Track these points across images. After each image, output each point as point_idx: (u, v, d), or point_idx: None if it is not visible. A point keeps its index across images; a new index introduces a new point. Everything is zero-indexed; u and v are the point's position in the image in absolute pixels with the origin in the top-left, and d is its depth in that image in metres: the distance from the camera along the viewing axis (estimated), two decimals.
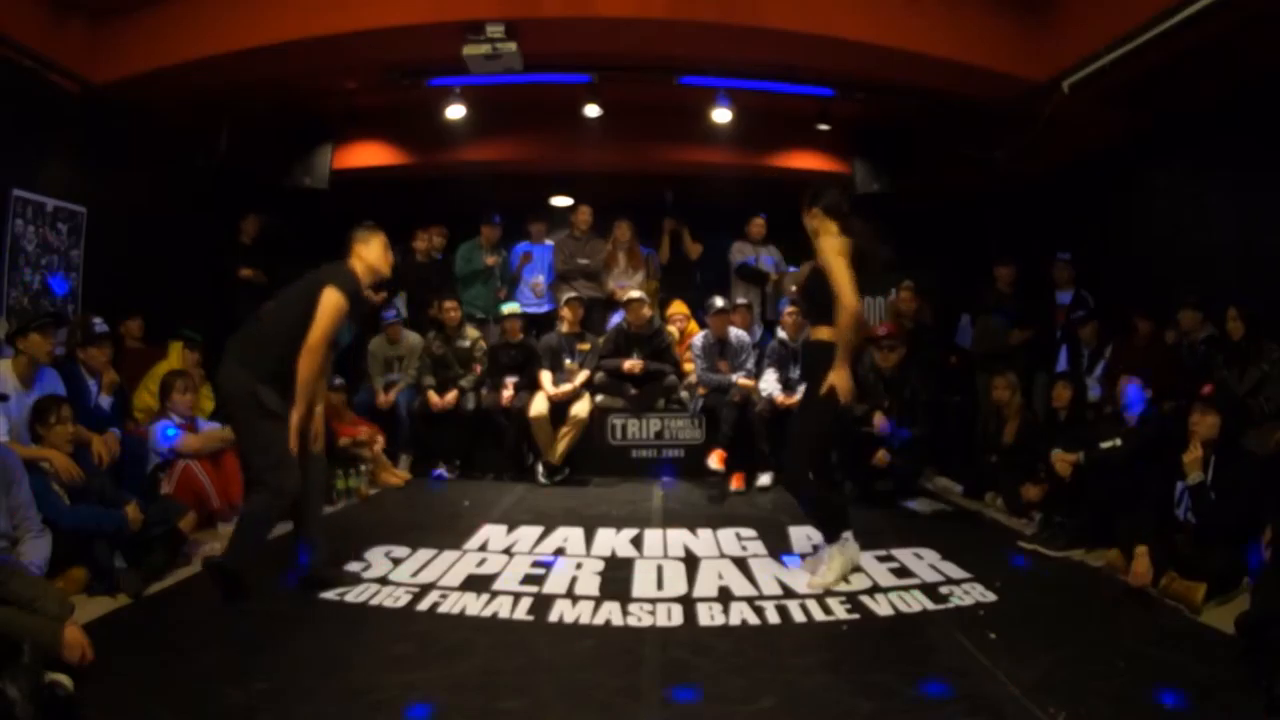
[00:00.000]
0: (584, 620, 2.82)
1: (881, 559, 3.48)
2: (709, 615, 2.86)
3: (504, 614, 2.87)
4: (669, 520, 4.29)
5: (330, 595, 3.04)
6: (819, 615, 2.87)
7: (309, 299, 2.97)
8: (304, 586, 3.11)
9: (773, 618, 2.85)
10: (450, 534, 3.90)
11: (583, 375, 5.56)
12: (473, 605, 2.95)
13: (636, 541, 3.84)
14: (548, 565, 3.45)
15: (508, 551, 3.65)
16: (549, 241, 6.75)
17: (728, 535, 3.92)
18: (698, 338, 5.69)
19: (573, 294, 5.99)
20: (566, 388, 5.47)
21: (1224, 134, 4.90)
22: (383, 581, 3.19)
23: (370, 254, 3.18)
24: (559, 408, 5.41)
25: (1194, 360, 4.50)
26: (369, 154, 7.15)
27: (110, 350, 4.20)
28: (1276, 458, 3.46)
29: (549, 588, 3.15)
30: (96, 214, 5.15)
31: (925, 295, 5.98)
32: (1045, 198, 6.59)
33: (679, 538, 3.89)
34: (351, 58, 5.13)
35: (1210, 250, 4.98)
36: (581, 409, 5.38)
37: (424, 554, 3.57)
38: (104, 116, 5.09)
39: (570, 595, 3.06)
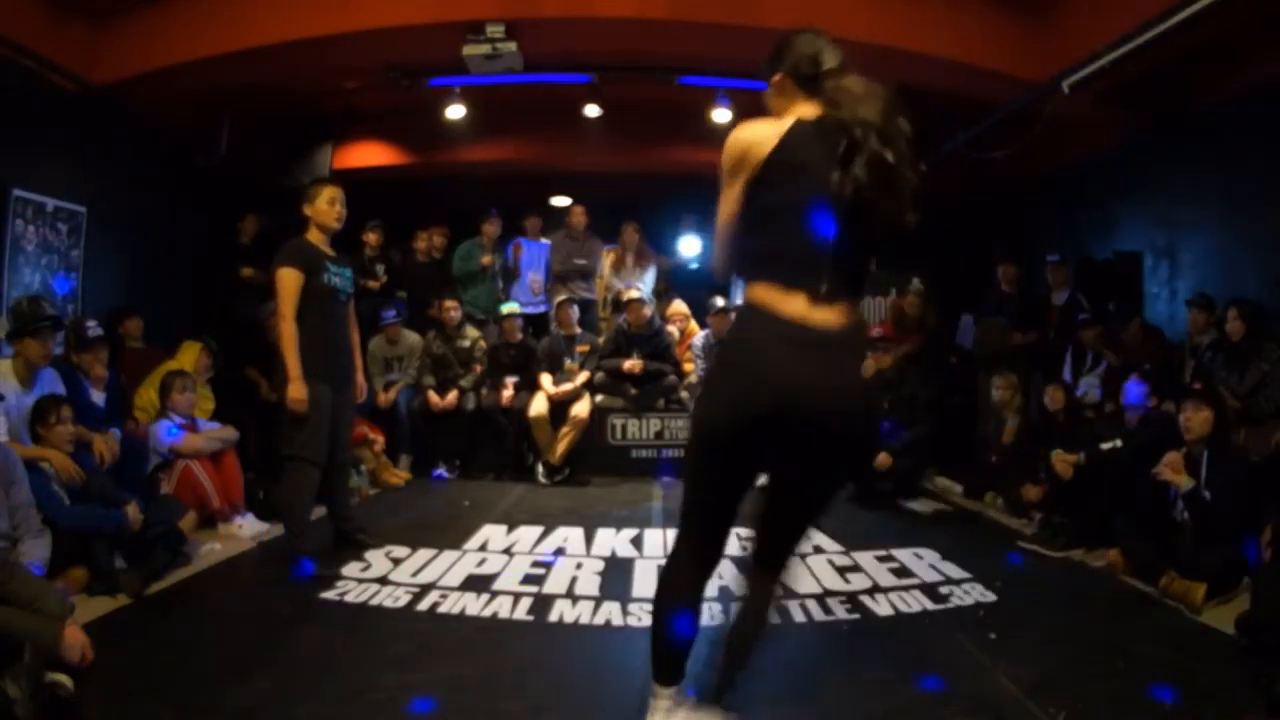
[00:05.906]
0: (584, 620, 2.82)
1: (881, 559, 3.48)
2: (709, 615, 2.85)
3: (504, 614, 2.87)
4: (669, 520, 4.28)
5: (330, 595, 3.04)
6: (819, 615, 2.87)
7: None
8: (338, 544, 3.54)
9: (772, 617, 2.83)
10: (450, 534, 3.90)
11: (583, 376, 5.57)
12: (473, 605, 2.95)
13: (636, 541, 3.84)
14: (548, 564, 3.45)
15: (508, 551, 3.65)
16: (544, 240, 6.75)
17: None
18: (698, 338, 5.69)
19: (564, 296, 5.99)
20: (567, 387, 5.47)
21: (1223, 134, 4.89)
22: (383, 581, 3.19)
23: (314, 211, 3.38)
24: (559, 408, 5.41)
25: (1199, 362, 4.48)
26: (369, 154, 7.17)
27: (105, 353, 4.20)
28: (1276, 457, 3.46)
29: (549, 588, 3.14)
30: (96, 214, 5.14)
31: (927, 297, 5.96)
32: (1045, 198, 6.59)
33: None
34: (351, 58, 5.13)
35: (1209, 250, 4.98)
36: (581, 409, 5.38)
37: (424, 554, 3.56)
38: (104, 116, 5.08)
39: (570, 595, 3.06)
